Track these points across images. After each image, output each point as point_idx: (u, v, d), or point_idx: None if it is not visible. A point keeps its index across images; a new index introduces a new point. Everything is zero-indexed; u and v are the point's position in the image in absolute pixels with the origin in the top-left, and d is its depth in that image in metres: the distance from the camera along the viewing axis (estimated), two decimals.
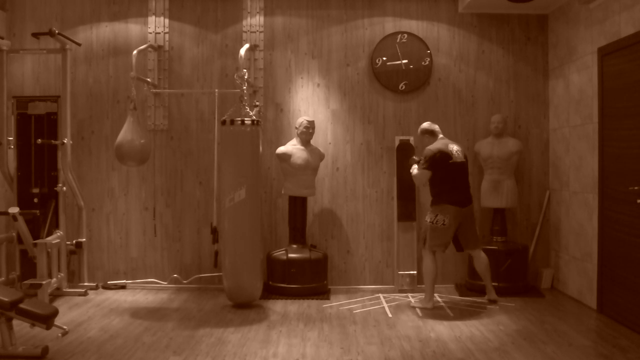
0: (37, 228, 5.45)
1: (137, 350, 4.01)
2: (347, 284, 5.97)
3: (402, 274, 5.83)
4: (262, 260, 5.29)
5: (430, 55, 5.96)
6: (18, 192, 5.61)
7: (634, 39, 4.38)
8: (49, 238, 5.30)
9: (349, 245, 6.00)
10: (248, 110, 5.19)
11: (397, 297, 5.52)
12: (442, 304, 5.26)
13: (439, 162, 4.95)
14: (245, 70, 5.35)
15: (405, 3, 6.02)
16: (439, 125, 5.21)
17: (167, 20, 5.99)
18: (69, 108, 5.61)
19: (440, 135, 5.16)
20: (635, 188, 4.34)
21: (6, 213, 5.15)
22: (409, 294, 5.62)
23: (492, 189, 5.69)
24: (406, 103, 6.03)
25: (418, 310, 5.01)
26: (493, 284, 5.47)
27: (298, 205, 5.69)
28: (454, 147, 5.05)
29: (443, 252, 5.17)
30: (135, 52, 5.49)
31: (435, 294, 5.59)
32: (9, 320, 3.75)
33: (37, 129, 5.64)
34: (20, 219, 5.15)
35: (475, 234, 5.18)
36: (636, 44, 4.36)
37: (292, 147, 5.63)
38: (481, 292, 5.52)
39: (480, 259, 5.18)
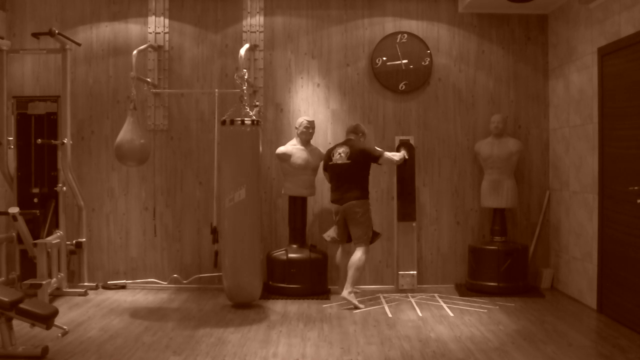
0: (37, 228, 5.44)
1: (137, 350, 4.01)
2: None
3: (402, 274, 5.83)
4: (262, 260, 5.29)
5: (430, 55, 5.96)
6: (18, 192, 5.61)
7: (634, 39, 4.38)
8: (49, 238, 5.30)
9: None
10: (248, 110, 5.19)
11: (397, 297, 5.52)
12: (442, 303, 5.26)
13: (324, 164, 5.53)
14: (245, 70, 5.35)
15: (405, 3, 6.02)
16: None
17: (167, 20, 5.99)
18: (69, 108, 5.61)
19: (349, 137, 5.42)
20: (635, 188, 4.34)
21: (6, 213, 5.15)
22: (409, 294, 5.62)
23: (492, 189, 5.69)
24: (406, 103, 6.02)
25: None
26: (492, 283, 5.48)
27: (298, 205, 5.69)
28: (339, 150, 5.33)
29: (338, 243, 5.50)
30: (135, 52, 5.49)
31: (435, 294, 5.60)
32: (9, 320, 3.75)
33: (37, 129, 5.64)
34: (20, 219, 5.15)
35: (355, 232, 5.25)
36: (636, 44, 4.36)
37: (292, 147, 5.63)
38: (481, 292, 5.53)
39: (353, 255, 5.23)
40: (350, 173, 5.25)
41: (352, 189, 5.23)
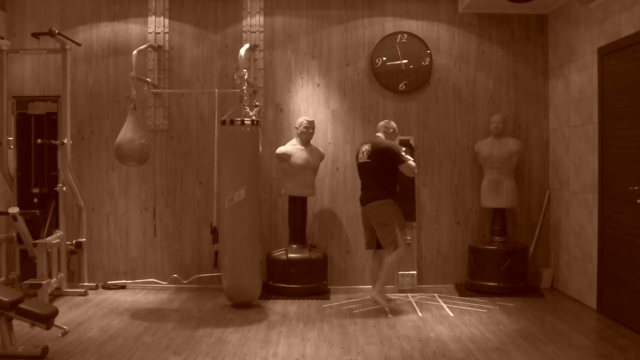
0: (37, 228, 5.44)
1: (137, 350, 4.01)
2: (347, 284, 5.97)
3: (402, 274, 5.83)
4: (261, 260, 5.29)
5: (430, 55, 5.96)
6: (18, 192, 5.60)
7: (634, 39, 4.38)
8: (49, 238, 5.30)
9: (348, 245, 6.00)
10: (248, 110, 5.19)
11: (397, 297, 5.52)
12: (442, 303, 5.26)
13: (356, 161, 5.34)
14: (245, 70, 5.35)
15: (405, 3, 6.02)
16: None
17: (167, 20, 5.99)
18: (69, 108, 5.61)
19: (377, 134, 5.26)
20: (635, 188, 4.34)
21: (6, 213, 5.15)
22: (409, 294, 5.62)
23: (492, 189, 5.69)
24: (406, 103, 6.03)
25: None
26: (492, 283, 5.49)
27: (298, 205, 5.69)
28: (364, 148, 5.17)
29: (366, 248, 5.33)
30: (135, 52, 5.49)
31: (435, 294, 5.60)
32: (9, 320, 3.75)
33: (37, 129, 5.64)
34: (20, 219, 5.15)
35: (381, 235, 5.06)
36: (636, 44, 4.36)
37: (292, 147, 5.63)
38: (481, 292, 5.53)
39: (381, 259, 5.14)
40: (371, 172, 5.10)
41: (373, 188, 5.09)
